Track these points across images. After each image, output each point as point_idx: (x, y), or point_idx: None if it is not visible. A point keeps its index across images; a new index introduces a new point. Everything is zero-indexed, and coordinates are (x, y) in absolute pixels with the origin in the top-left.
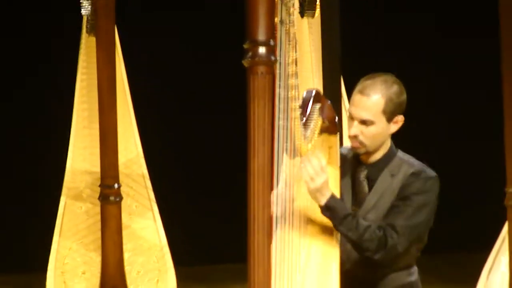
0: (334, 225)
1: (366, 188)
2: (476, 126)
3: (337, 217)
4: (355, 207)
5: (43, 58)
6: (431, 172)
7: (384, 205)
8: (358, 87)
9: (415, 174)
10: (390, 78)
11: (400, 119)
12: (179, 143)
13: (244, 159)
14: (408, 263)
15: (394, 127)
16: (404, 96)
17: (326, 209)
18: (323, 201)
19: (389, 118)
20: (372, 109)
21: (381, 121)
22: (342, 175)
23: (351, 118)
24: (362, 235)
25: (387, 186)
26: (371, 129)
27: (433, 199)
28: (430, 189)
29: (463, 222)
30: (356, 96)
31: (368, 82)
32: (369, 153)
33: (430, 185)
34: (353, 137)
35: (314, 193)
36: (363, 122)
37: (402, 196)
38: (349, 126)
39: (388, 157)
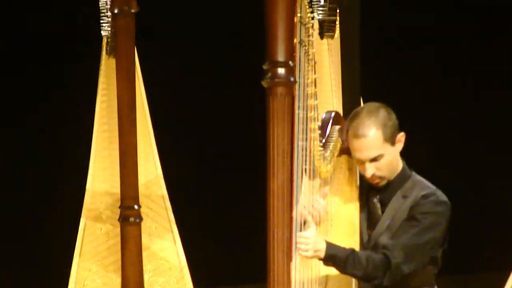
0: (340, 270)
1: (379, 211)
2: None
3: (340, 261)
4: (369, 230)
5: (63, 79)
6: (443, 196)
7: (397, 227)
8: (350, 131)
9: (425, 196)
10: (372, 106)
11: (401, 136)
12: (199, 164)
13: (264, 179)
14: (425, 283)
15: (399, 145)
16: (393, 115)
17: (328, 260)
18: (322, 255)
19: (392, 142)
20: (374, 145)
21: (388, 149)
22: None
23: (360, 162)
24: (367, 267)
25: (398, 208)
26: (383, 162)
27: (442, 222)
28: (440, 212)
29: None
30: (353, 141)
31: (356, 122)
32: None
33: (440, 209)
34: (372, 176)
35: (312, 257)
36: (374, 160)
37: (410, 216)
38: (362, 169)
39: (401, 179)
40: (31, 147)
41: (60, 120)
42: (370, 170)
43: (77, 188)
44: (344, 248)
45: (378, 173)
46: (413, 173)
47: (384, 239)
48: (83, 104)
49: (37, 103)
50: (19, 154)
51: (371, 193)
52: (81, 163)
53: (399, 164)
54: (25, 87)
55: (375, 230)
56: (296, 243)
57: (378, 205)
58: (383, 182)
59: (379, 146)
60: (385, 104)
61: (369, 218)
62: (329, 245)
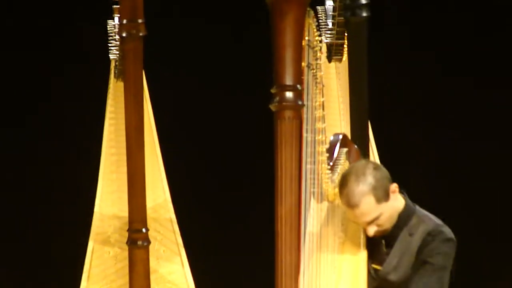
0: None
1: (384, 248)
2: None
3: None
4: (375, 265)
5: (71, 102)
6: (449, 233)
7: (405, 265)
8: (342, 200)
9: (432, 235)
10: (359, 169)
11: (394, 188)
12: (207, 188)
13: (272, 203)
14: None
15: (394, 196)
16: (381, 171)
17: None
18: None
19: (386, 198)
20: (369, 210)
21: (383, 207)
22: None
23: (360, 224)
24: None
25: (406, 246)
26: (382, 219)
27: (451, 260)
28: (448, 252)
29: None
30: (347, 210)
31: (346, 191)
32: None
33: (448, 248)
34: (374, 234)
35: None
36: (371, 222)
37: (421, 260)
38: (364, 229)
39: (405, 216)
40: (39, 171)
41: (68, 143)
42: (371, 230)
43: (85, 211)
44: None
45: (380, 228)
46: (417, 207)
47: (392, 278)
48: (91, 127)
49: (45, 128)
50: (27, 178)
51: None
52: (89, 186)
53: (400, 206)
54: (35, 114)
55: (383, 269)
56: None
57: (382, 242)
58: (386, 233)
59: (373, 209)
60: (371, 160)
61: (372, 251)
62: None
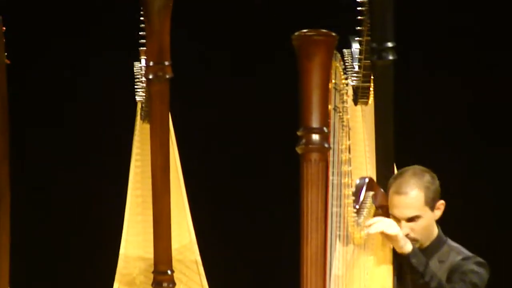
0: (419, 272)
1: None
2: None
3: (423, 263)
4: None
5: (97, 144)
6: (481, 259)
7: None
8: (392, 188)
9: (465, 259)
10: (418, 169)
11: (441, 204)
12: (232, 230)
13: (298, 245)
14: None
15: (438, 213)
16: (437, 182)
17: (414, 255)
18: (410, 246)
19: (432, 207)
20: (414, 204)
21: (426, 212)
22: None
23: (397, 219)
24: (441, 283)
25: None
26: (420, 224)
27: (483, 284)
28: (482, 273)
29: None
30: (393, 197)
31: (400, 180)
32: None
33: (482, 270)
34: (406, 236)
35: (398, 240)
36: (411, 220)
37: (456, 276)
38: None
39: (437, 244)
40: (65, 212)
41: (94, 185)
42: (405, 229)
43: (111, 253)
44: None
45: (412, 235)
46: (448, 239)
47: None
48: (117, 169)
49: (72, 172)
50: (54, 220)
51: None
52: (115, 228)
53: (435, 231)
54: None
55: None
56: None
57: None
58: (416, 244)
59: (418, 207)
60: (430, 170)
61: (403, 281)
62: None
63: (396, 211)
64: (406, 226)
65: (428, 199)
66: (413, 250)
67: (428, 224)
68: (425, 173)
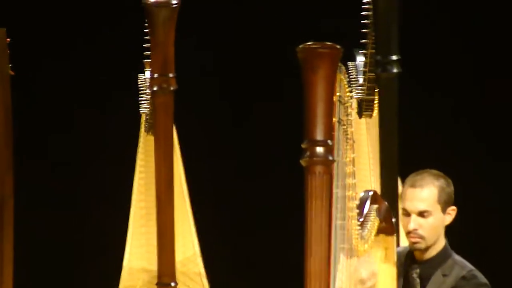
0: None
1: (418, 286)
2: None
3: None
4: None
5: (100, 156)
6: (482, 278)
7: None
8: (408, 183)
9: (466, 279)
10: (435, 172)
11: (452, 210)
12: (237, 242)
13: (302, 258)
14: None
15: (449, 218)
16: (452, 188)
17: None
18: None
19: (444, 209)
20: (428, 199)
21: (437, 211)
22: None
23: (406, 214)
24: None
25: (439, 287)
26: (429, 221)
27: None
28: None
29: None
30: (408, 190)
31: (417, 177)
32: (425, 249)
33: None
34: (412, 231)
35: None
36: (421, 215)
37: None
38: (405, 223)
39: (442, 256)
40: (67, 223)
41: (98, 197)
42: (413, 224)
43: (114, 265)
44: None
45: (420, 231)
46: (453, 252)
47: None
48: (120, 181)
49: (75, 181)
50: (57, 232)
51: (411, 268)
52: (118, 240)
53: (442, 240)
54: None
55: None
56: None
57: (418, 280)
58: (421, 245)
59: (431, 203)
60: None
61: None
62: None
63: (408, 204)
64: (416, 221)
65: (441, 198)
66: None
67: (437, 224)
68: (441, 176)
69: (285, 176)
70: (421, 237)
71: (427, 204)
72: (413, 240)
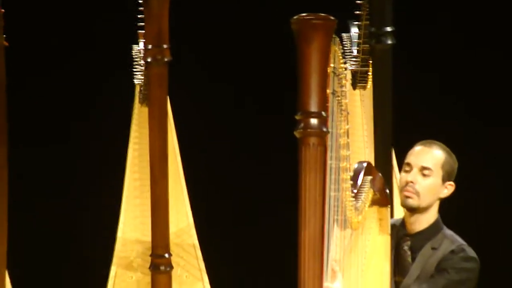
0: None
1: (409, 258)
2: None
3: None
4: (399, 277)
5: (93, 126)
6: (472, 252)
7: (425, 278)
8: (418, 143)
9: (455, 252)
10: (446, 146)
11: (451, 186)
12: (230, 214)
13: (296, 230)
14: None
15: (445, 191)
16: (456, 165)
17: None
18: None
19: (444, 178)
20: (433, 159)
21: (438, 175)
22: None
23: (407, 170)
24: None
25: (427, 260)
26: (428, 181)
27: (471, 279)
28: (469, 269)
29: None
30: (417, 147)
31: (428, 141)
32: (416, 214)
33: (470, 265)
34: (409, 183)
35: None
36: (422, 171)
37: (439, 269)
38: (404, 177)
39: (433, 230)
40: (61, 193)
41: (92, 167)
42: (412, 177)
43: (108, 236)
44: None
45: (416, 186)
46: (444, 227)
47: None
48: (114, 152)
49: (69, 153)
50: (49, 200)
51: (402, 240)
52: (113, 211)
53: (434, 212)
54: (58, 139)
55: (405, 280)
56: None
57: (408, 253)
58: (414, 201)
59: (435, 163)
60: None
61: (397, 264)
62: None
63: (412, 158)
64: (415, 175)
65: (445, 166)
66: None
67: (434, 188)
68: (450, 152)
69: (281, 148)
70: (416, 193)
71: (432, 162)
72: (407, 194)
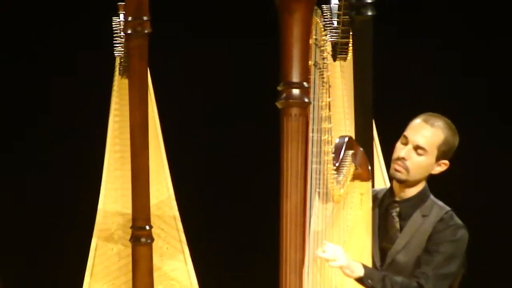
0: None
1: (397, 225)
2: None
3: (378, 280)
4: (386, 243)
5: (74, 99)
6: (459, 220)
7: (415, 246)
8: (422, 116)
9: (445, 221)
10: (450, 122)
11: (445, 163)
12: (212, 186)
13: (277, 201)
14: None
15: (438, 169)
16: (456, 143)
17: (367, 278)
18: (360, 272)
19: (439, 157)
20: (430, 139)
21: (432, 155)
22: (373, 213)
23: (404, 142)
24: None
25: (418, 227)
26: (420, 159)
27: (463, 250)
28: (460, 238)
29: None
30: (417, 122)
31: (432, 116)
32: (404, 186)
33: (460, 235)
34: (401, 159)
35: (344, 270)
36: (416, 149)
37: (433, 244)
38: (398, 149)
39: (421, 197)
40: (42, 165)
41: (72, 140)
42: (405, 153)
43: (88, 208)
44: (375, 270)
45: (407, 163)
46: (431, 194)
47: (401, 258)
48: (95, 124)
49: (49, 126)
50: (30, 172)
51: (391, 206)
52: (93, 183)
53: (423, 182)
54: (39, 111)
55: (393, 247)
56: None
57: (397, 219)
58: (402, 176)
59: (431, 143)
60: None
61: (385, 231)
62: (363, 265)
63: (410, 133)
64: (409, 152)
65: (442, 146)
66: (365, 272)
67: (425, 166)
68: (453, 130)
69: (262, 119)
70: (406, 169)
71: (427, 142)
72: (397, 168)
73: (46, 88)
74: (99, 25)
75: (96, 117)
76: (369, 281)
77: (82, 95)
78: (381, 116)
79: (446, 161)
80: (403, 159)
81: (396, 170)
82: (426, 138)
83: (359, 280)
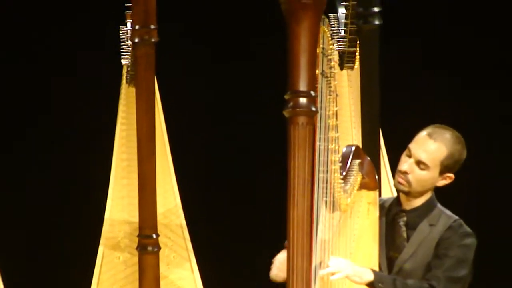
0: None
1: (405, 234)
2: None
3: (388, 283)
4: (393, 252)
5: (74, 99)
6: (468, 228)
7: (422, 255)
8: (428, 129)
9: (453, 229)
10: (458, 135)
11: (450, 177)
12: (218, 194)
13: (285, 209)
14: None
15: (442, 182)
16: (463, 157)
17: (377, 282)
18: (369, 277)
19: (442, 171)
20: (433, 154)
21: (435, 170)
22: (380, 222)
23: (408, 154)
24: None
25: (425, 236)
26: (422, 173)
27: (471, 256)
28: (469, 244)
29: None
30: (422, 136)
31: (439, 129)
32: (409, 197)
33: (469, 241)
34: (403, 173)
35: (353, 278)
36: (418, 164)
37: (442, 248)
38: (402, 161)
39: (428, 206)
40: (42, 165)
41: (79, 149)
42: (407, 166)
43: (95, 216)
44: (385, 274)
45: (409, 176)
46: (438, 203)
47: (408, 266)
48: (102, 133)
49: (57, 133)
50: (30, 172)
51: (398, 216)
52: (100, 192)
53: (429, 193)
54: (47, 118)
55: (400, 256)
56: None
57: (404, 228)
58: (404, 188)
59: (433, 159)
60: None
61: (392, 240)
62: (373, 269)
63: (414, 147)
64: (411, 166)
65: (446, 161)
66: (375, 276)
67: (427, 180)
68: (460, 143)
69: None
70: (408, 182)
71: (429, 158)
72: (400, 180)
73: (46, 88)
74: (99, 25)
75: (103, 125)
76: (380, 285)
77: (82, 95)
78: (388, 124)
79: (451, 175)
80: (405, 172)
81: (399, 183)
82: (428, 154)
83: (370, 285)
